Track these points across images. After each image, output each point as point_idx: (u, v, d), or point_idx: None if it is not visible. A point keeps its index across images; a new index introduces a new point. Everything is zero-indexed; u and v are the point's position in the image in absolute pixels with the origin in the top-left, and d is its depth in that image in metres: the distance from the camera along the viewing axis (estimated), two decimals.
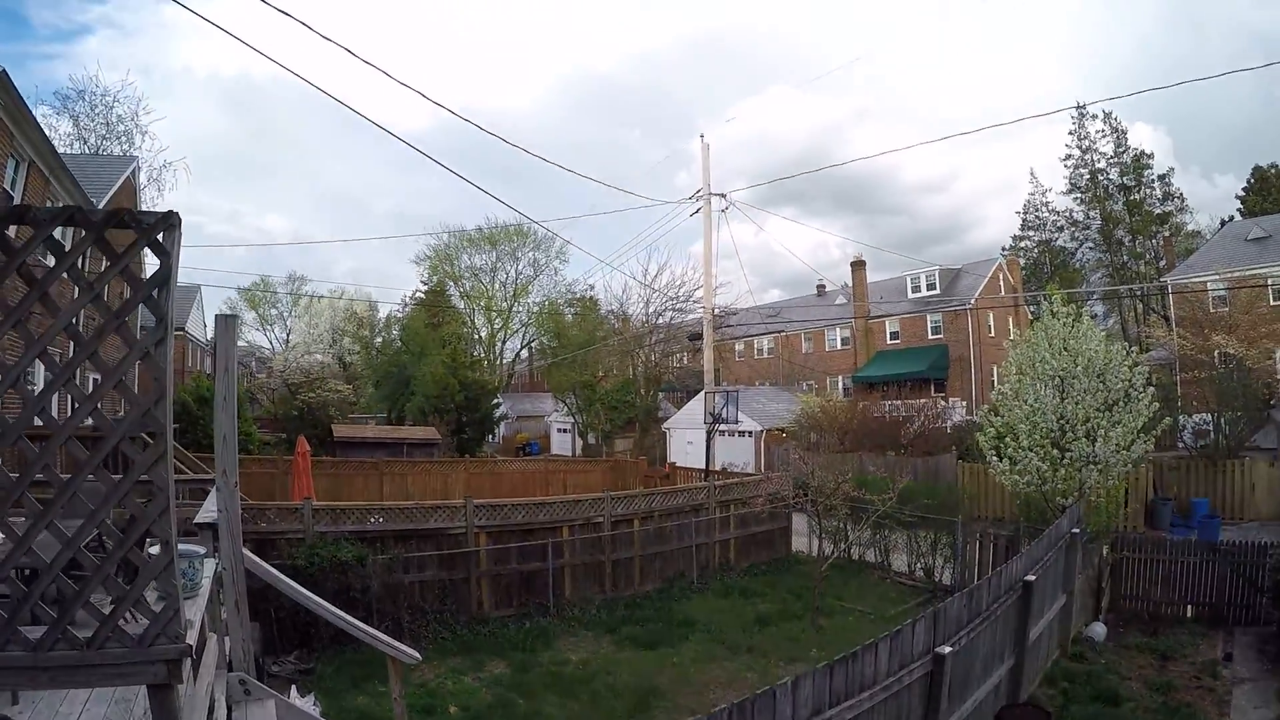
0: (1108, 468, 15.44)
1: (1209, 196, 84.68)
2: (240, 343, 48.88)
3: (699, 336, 34.96)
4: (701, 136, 29.35)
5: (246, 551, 7.02)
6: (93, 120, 39.74)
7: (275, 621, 12.37)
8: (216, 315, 6.35)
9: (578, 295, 57.11)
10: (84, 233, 3.28)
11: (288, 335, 62.66)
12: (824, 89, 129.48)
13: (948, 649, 7.67)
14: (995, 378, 42.53)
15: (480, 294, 58.02)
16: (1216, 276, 36.94)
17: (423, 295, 57.19)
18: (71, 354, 3.67)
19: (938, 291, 50.43)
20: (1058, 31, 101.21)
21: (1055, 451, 15.78)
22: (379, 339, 59.14)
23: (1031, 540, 12.42)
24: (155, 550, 3.61)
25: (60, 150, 18.89)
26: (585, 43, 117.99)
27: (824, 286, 61.75)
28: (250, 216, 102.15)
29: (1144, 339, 42.82)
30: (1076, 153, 61.75)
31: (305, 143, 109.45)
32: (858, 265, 53.63)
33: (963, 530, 17.75)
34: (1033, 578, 10.31)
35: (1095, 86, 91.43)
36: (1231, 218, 54.75)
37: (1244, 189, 59.33)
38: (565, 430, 53.60)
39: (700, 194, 29.08)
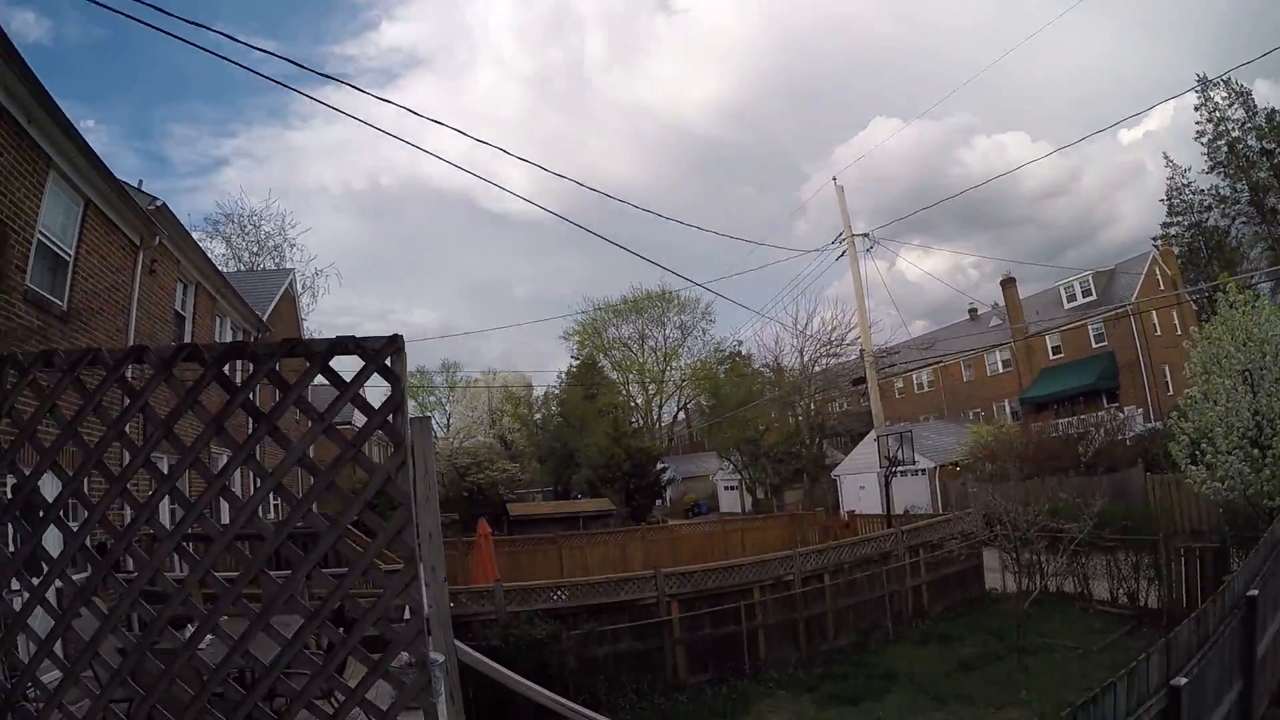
0: None
1: None
2: None
3: (860, 381, 34.14)
4: (835, 179, 29.19)
5: (459, 643, 7.00)
6: (244, 240, 42.39)
7: (472, 701, 12.37)
8: (411, 419, 6.43)
9: (728, 353, 56.93)
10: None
11: (448, 420, 64.40)
12: (926, 113, 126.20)
13: (1183, 680, 6.98)
14: (1169, 379, 39.98)
15: (631, 363, 58.46)
16: None
17: (575, 371, 57.96)
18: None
19: (1094, 297, 47.13)
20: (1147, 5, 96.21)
21: (1255, 451, 14.68)
22: (538, 416, 60.09)
23: (1240, 551, 11.42)
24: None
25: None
26: (682, 108, 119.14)
27: (975, 310, 59.44)
28: (399, 313, 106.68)
29: None
30: (1209, 127, 56.88)
31: (441, 240, 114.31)
32: (1008, 283, 50.94)
33: (1165, 548, 16.50)
34: (1255, 592, 9.38)
35: (1202, 54, 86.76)
36: None
37: None
38: (732, 487, 53.00)
39: (842, 237, 28.74)
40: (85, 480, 3.43)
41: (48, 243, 10.34)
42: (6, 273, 8.97)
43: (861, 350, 31.26)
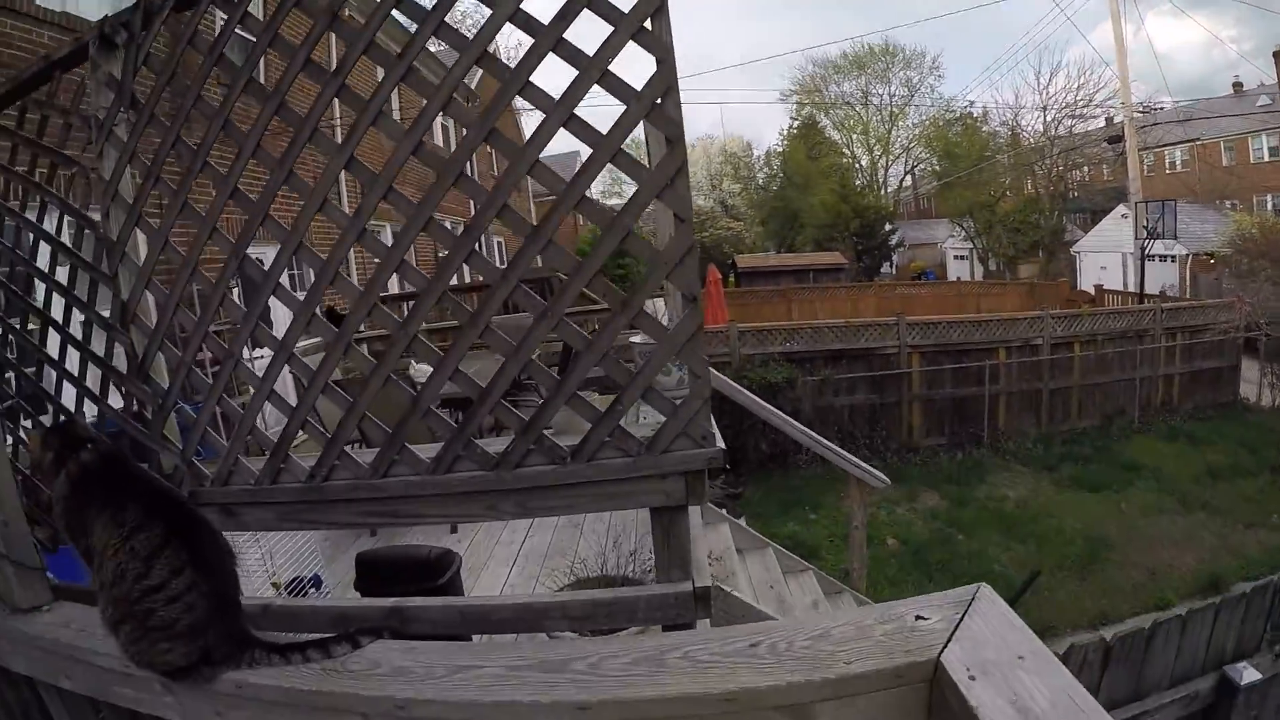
0: None
1: None
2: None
3: (1115, 139, 30.93)
4: None
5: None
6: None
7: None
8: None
9: (959, 113, 53.09)
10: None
11: None
12: None
13: None
14: None
15: (855, 122, 55.58)
16: None
17: (796, 130, 55.71)
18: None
19: None
20: None
21: None
22: (760, 175, 58.82)
23: None
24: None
25: None
26: None
27: (1240, 84, 49.87)
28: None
29: None
30: None
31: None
32: None
33: None
34: None
35: None
36: None
37: None
38: (962, 256, 49.99)
39: None
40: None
41: None
42: None
43: (1109, 116, 28.09)
